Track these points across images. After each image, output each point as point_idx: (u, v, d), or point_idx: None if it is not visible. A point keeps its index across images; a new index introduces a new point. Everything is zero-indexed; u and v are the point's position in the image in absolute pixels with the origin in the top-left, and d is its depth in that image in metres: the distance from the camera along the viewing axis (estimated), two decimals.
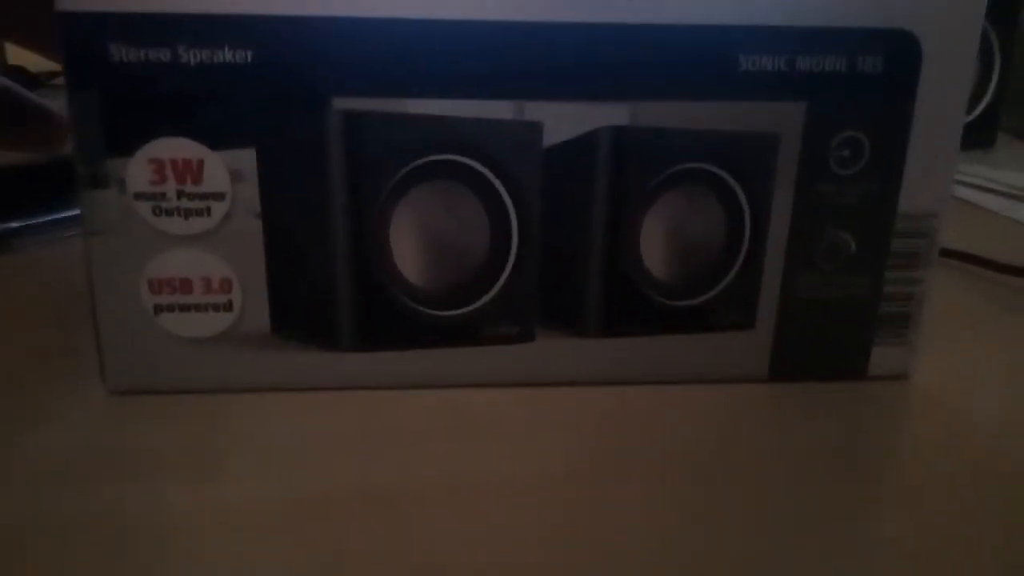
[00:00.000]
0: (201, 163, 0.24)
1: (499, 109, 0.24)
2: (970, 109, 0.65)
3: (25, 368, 0.27)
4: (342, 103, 0.23)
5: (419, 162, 0.24)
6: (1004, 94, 0.66)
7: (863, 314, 0.27)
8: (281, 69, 0.23)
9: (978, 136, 0.66)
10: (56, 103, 0.33)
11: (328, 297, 0.25)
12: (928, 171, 0.26)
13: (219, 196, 0.24)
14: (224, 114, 0.23)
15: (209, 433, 0.24)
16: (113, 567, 0.18)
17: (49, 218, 0.39)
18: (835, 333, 0.27)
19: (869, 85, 0.25)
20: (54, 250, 0.38)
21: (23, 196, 0.39)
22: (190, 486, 0.21)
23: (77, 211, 0.39)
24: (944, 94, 0.25)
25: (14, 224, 0.38)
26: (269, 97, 0.23)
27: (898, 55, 0.25)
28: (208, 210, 0.24)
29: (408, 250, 0.25)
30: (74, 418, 0.24)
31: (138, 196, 0.24)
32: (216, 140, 0.24)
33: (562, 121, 0.24)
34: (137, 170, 0.23)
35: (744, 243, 0.26)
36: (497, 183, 0.25)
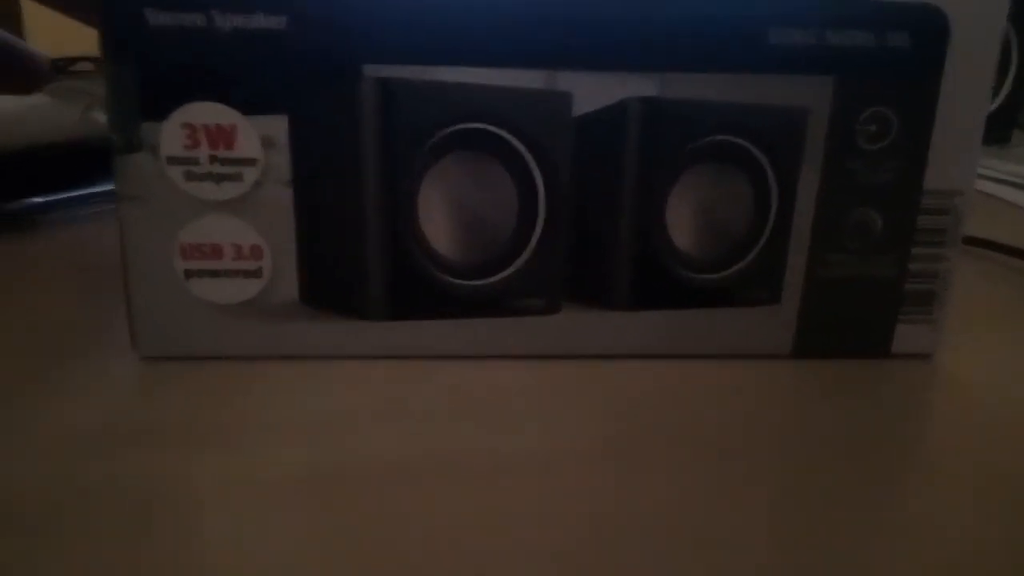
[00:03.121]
0: (233, 128, 0.24)
1: (530, 78, 0.24)
2: None
3: (53, 340, 0.28)
4: (374, 70, 0.24)
5: (449, 131, 0.24)
6: (1021, 91, 0.66)
7: (888, 292, 0.27)
8: (314, 35, 0.23)
9: (994, 132, 0.66)
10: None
11: (357, 266, 0.25)
12: (954, 148, 0.26)
13: (251, 162, 0.24)
14: (257, 80, 0.24)
15: (236, 401, 0.24)
16: (139, 534, 0.18)
17: (73, 194, 0.39)
18: (860, 310, 0.27)
19: (897, 60, 0.25)
20: (79, 226, 0.38)
21: (47, 174, 0.40)
22: (215, 454, 0.21)
23: (100, 188, 0.39)
24: (970, 70, 0.25)
25: (38, 200, 0.38)
26: (302, 64, 0.24)
27: (926, 30, 0.25)
28: (240, 176, 0.24)
29: (436, 220, 0.25)
30: (103, 387, 0.24)
31: (171, 160, 0.24)
32: (249, 106, 0.24)
33: (592, 92, 0.24)
34: (170, 134, 0.24)
35: (771, 218, 0.26)
36: (526, 153, 0.25)
